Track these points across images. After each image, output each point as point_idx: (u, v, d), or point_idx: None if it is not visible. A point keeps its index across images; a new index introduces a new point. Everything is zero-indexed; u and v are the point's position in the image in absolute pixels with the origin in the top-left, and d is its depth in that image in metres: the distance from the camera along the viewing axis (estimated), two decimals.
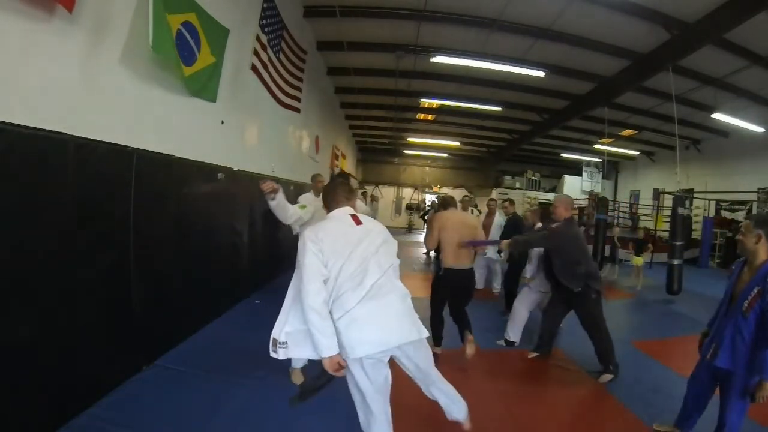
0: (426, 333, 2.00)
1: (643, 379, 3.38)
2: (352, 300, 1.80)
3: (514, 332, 4.08)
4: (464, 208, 6.71)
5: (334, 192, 2.11)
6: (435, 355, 3.74)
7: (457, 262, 3.41)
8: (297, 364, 2.86)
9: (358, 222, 2.00)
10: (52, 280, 2.12)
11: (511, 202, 5.85)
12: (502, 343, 4.10)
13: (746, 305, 2.06)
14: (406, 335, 1.88)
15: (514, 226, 5.23)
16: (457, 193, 12.69)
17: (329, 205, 2.10)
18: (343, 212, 2.05)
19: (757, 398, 2.07)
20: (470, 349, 3.38)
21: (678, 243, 6.50)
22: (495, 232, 5.80)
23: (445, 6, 6.24)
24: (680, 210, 6.65)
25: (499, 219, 6.01)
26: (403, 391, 2.25)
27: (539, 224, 4.49)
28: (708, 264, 10.96)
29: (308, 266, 1.77)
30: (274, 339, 1.85)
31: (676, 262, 6.43)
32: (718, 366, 2.19)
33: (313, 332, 1.72)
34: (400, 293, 1.95)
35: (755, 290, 2.04)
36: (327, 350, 1.70)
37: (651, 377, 3.45)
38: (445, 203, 3.83)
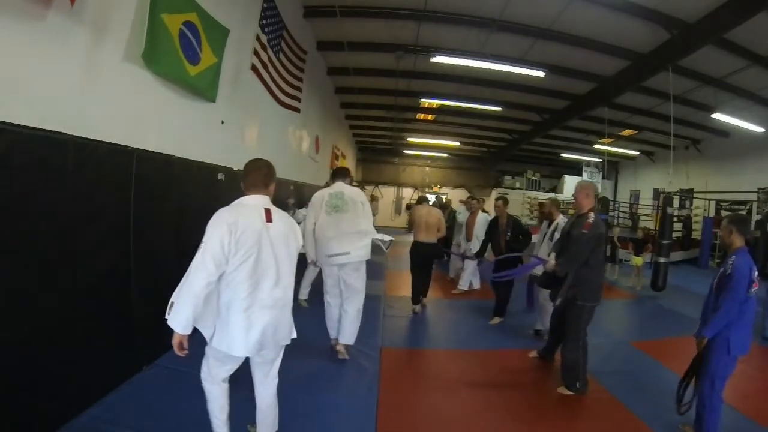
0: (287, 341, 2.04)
1: (643, 379, 3.38)
2: (245, 301, 1.82)
3: (543, 323, 4.15)
4: (468, 209, 6.94)
5: (254, 174, 1.96)
6: (414, 313, 4.98)
7: (424, 238, 5.04)
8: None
9: (269, 219, 1.90)
10: (52, 279, 2.12)
11: (505, 201, 5.06)
12: (531, 332, 4.33)
13: (715, 284, 2.44)
14: (279, 340, 1.97)
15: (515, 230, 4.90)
16: (457, 193, 12.69)
17: (245, 188, 1.97)
18: (258, 201, 1.93)
19: None
20: (418, 309, 5.06)
21: (665, 242, 6.59)
22: (479, 231, 5.83)
23: (445, 6, 6.24)
24: (669, 209, 6.73)
25: (483, 216, 6.09)
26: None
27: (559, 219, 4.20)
28: (708, 264, 10.95)
29: (212, 253, 1.73)
30: (171, 302, 1.82)
31: (662, 260, 6.54)
32: (695, 335, 2.52)
33: (182, 307, 1.74)
34: (290, 307, 2.00)
35: (721, 270, 2.40)
36: (183, 328, 1.75)
37: (651, 377, 3.45)
38: (419, 200, 6.01)
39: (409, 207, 19.15)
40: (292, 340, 2.07)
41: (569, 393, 3.08)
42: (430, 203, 6.82)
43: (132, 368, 2.80)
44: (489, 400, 2.99)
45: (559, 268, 3.12)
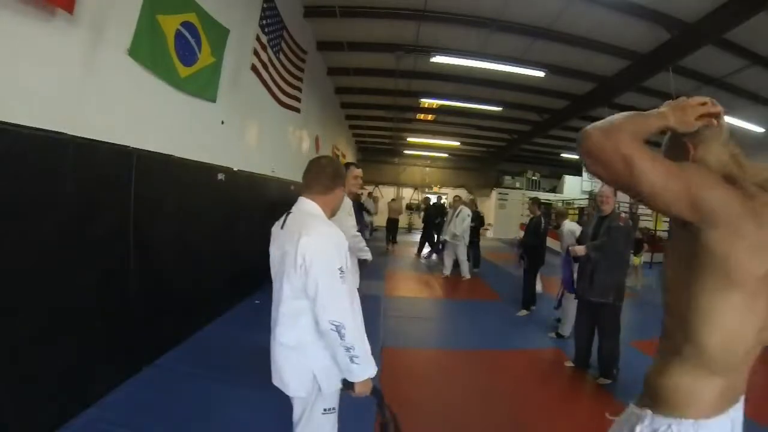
0: None
1: (642, 380, 3.37)
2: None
3: (565, 329, 4.31)
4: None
5: (305, 174, 1.61)
6: (387, 250, 8.95)
7: (393, 216, 11.58)
8: None
9: (282, 225, 1.57)
10: (51, 280, 2.12)
11: (534, 202, 5.59)
12: (553, 336, 4.38)
13: None
14: (282, 387, 1.65)
15: (534, 231, 5.30)
16: (458, 193, 12.73)
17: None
18: (295, 206, 1.61)
19: None
20: (390, 247, 10.50)
21: None
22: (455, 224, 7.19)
23: (445, 6, 6.24)
24: None
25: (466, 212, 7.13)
26: None
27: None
28: None
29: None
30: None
31: None
32: None
33: None
34: (292, 352, 1.55)
35: None
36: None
37: None
38: (392, 200, 13.10)
39: (410, 207, 19.54)
40: None
41: (608, 381, 3.27)
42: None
43: (132, 368, 2.80)
44: (490, 400, 2.99)
45: (592, 252, 3.32)
